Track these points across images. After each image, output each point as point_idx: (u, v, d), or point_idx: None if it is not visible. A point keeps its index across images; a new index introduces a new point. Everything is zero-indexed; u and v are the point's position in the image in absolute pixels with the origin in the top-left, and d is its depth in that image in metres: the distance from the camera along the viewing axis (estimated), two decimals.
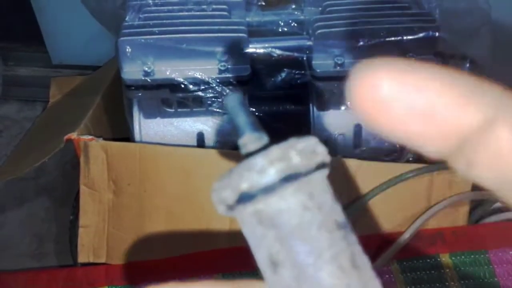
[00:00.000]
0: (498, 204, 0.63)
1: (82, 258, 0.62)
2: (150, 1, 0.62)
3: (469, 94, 0.14)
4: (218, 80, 0.59)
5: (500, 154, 0.14)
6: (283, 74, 0.61)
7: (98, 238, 0.62)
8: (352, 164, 0.59)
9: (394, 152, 0.63)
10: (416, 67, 0.14)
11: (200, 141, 0.63)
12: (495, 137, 0.14)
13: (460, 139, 0.14)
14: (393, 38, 0.58)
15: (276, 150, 0.14)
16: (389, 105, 0.14)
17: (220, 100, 0.61)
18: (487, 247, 0.60)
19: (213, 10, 0.62)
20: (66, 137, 0.59)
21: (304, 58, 0.60)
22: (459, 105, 0.14)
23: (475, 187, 0.61)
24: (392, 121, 0.14)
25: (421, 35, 0.58)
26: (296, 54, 0.60)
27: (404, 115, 0.14)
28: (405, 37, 0.58)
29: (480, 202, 0.64)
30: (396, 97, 0.14)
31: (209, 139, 0.63)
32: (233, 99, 0.16)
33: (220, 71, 0.59)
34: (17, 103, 1.02)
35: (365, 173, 0.60)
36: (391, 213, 0.61)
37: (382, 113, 0.14)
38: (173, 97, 0.61)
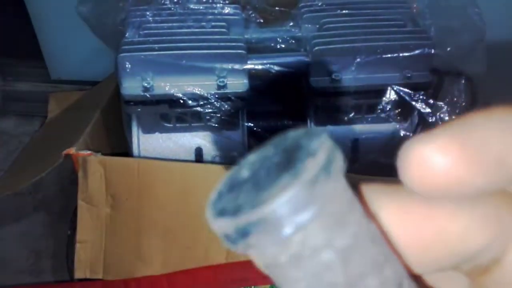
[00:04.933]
0: None
1: (79, 274, 0.62)
2: (150, 18, 0.63)
3: None
4: (216, 96, 0.59)
5: None
6: (281, 90, 0.62)
7: (95, 254, 0.62)
8: (350, 179, 0.59)
9: (391, 167, 0.63)
10: (467, 123, 0.13)
11: (199, 156, 0.63)
12: None
13: None
14: (389, 55, 0.59)
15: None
16: (454, 175, 0.13)
17: (218, 115, 0.61)
18: None
19: (212, 27, 0.63)
20: (64, 152, 0.59)
21: (302, 74, 0.61)
22: None
23: None
24: (461, 185, 0.13)
25: (417, 52, 0.58)
26: (294, 70, 0.60)
27: (473, 177, 0.13)
28: (401, 54, 0.58)
29: None
30: (459, 166, 0.12)
31: (208, 154, 0.63)
32: None
33: (219, 87, 0.59)
34: (15, 118, 1.02)
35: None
36: None
37: (449, 184, 0.13)
38: (172, 113, 0.61)
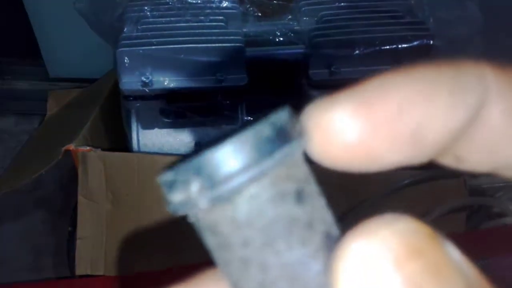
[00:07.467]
0: (496, 209, 0.63)
1: (80, 270, 0.62)
2: (148, 13, 0.63)
3: (452, 93, 0.11)
4: (215, 90, 0.59)
5: (491, 141, 0.12)
6: (280, 83, 0.62)
7: (96, 250, 0.62)
8: (348, 172, 0.59)
9: None
10: (379, 86, 0.11)
11: None
12: (486, 126, 0.12)
13: (448, 140, 0.12)
14: (387, 47, 0.59)
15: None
16: (363, 146, 0.11)
17: (217, 109, 0.61)
18: (487, 253, 0.60)
19: (210, 21, 0.63)
20: (64, 148, 0.59)
21: (301, 67, 0.61)
22: (445, 112, 0.11)
23: (473, 193, 0.61)
24: (371, 159, 0.12)
25: (415, 43, 0.58)
26: (292, 63, 0.60)
27: (385, 151, 0.11)
28: (399, 46, 0.58)
29: (478, 207, 0.64)
30: (370, 136, 0.11)
31: None
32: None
33: (218, 81, 0.59)
34: (14, 117, 1.02)
35: (360, 181, 0.60)
36: None
37: (356, 157, 0.11)
38: (171, 107, 0.61)
